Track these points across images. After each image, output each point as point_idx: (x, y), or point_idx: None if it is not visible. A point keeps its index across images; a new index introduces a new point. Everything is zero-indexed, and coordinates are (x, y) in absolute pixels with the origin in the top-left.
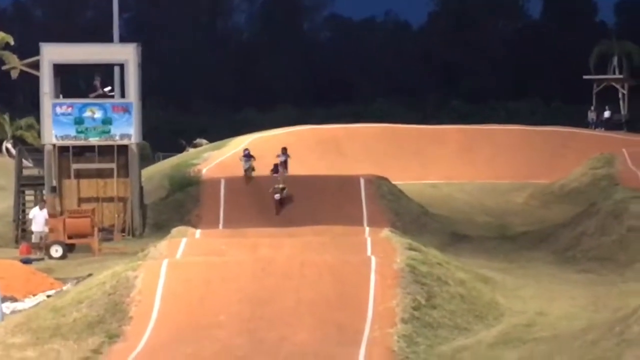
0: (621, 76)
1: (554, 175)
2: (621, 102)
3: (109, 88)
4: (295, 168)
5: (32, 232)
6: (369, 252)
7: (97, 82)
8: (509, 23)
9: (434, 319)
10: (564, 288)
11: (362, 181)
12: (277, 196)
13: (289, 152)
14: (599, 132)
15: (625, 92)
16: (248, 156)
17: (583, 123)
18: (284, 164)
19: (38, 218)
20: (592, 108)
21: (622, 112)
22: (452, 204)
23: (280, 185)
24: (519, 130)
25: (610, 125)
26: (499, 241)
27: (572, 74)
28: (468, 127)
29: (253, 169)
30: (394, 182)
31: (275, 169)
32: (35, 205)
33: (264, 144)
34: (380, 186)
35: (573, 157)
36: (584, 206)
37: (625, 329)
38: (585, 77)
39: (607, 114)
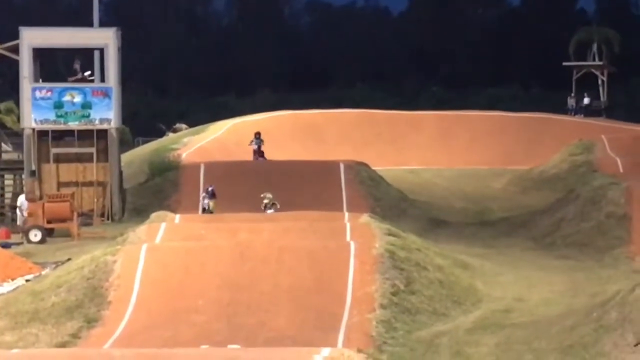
0: (601, 63)
1: (532, 162)
2: (600, 89)
3: (88, 72)
4: (274, 153)
5: (10, 216)
6: (348, 238)
7: (77, 66)
8: (489, 10)
9: (412, 305)
10: (542, 274)
11: (341, 167)
12: (269, 212)
13: (267, 137)
14: (578, 119)
15: (604, 78)
16: (211, 194)
17: (562, 109)
18: (259, 150)
19: (20, 201)
20: (572, 94)
21: (602, 99)
22: (431, 189)
23: (269, 196)
24: (497, 117)
25: (590, 111)
26: (477, 227)
27: (552, 60)
28: (446, 112)
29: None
30: (373, 168)
31: (260, 154)
32: (14, 189)
33: (243, 130)
34: (359, 172)
35: (552, 144)
36: (562, 192)
37: (603, 315)
38: (564, 63)
39: (586, 100)
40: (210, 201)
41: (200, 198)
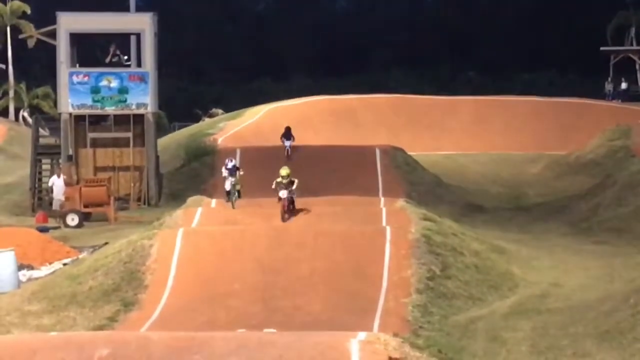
0: (639, 47)
1: (568, 147)
2: (638, 74)
3: (125, 57)
4: (310, 138)
5: (49, 201)
6: (384, 222)
7: (113, 48)
8: None
9: (448, 289)
10: (578, 259)
11: (377, 151)
12: (282, 193)
13: (302, 122)
14: (616, 104)
15: None
16: (233, 170)
17: (599, 94)
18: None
19: (57, 186)
20: (609, 79)
21: (639, 84)
22: (467, 174)
23: (283, 173)
24: (533, 102)
25: (627, 96)
26: (513, 212)
27: (589, 45)
28: (482, 98)
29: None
30: (410, 153)
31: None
32: (52, 174)
33: (278, 115)
34: (395, 156)
35: (588, 129)
36: (599, 178)
37: (617, 308)
38: (602, 48)
39: (623, 85)
40: (233, 178)
41: (223, 172)
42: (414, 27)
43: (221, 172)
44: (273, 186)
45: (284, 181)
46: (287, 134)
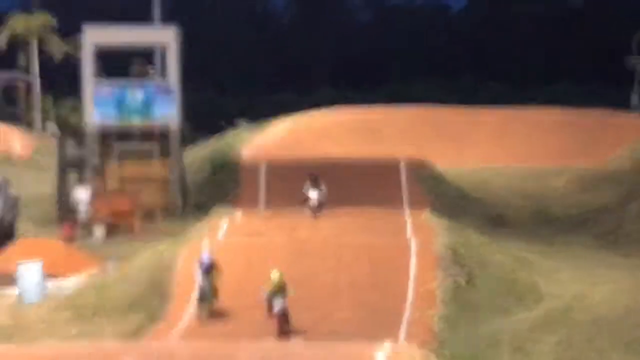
0: None
1: (592, 159)
2: None
3: (151, 70)
4: (333, 150)
5: (75, 212)
6: (408, 234)
7: (140, 62)
8: (547, 5)
9: (473, 301)
10: (604, 272)
11: (402, 164)
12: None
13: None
14: None
15: None
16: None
17: (625, 105)
18: (316, 180)
19: (83, 197)
20: (635, 90)
21: None
22: (490, 187)
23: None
24: (557, 113)
25: None
26: (537, 225)
27: (613, 56)
28: (504, 109)
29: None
30: (435, 165)
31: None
32: (78, 186)
33: (302, 127)
34: (420, 169)
35: (613, 141)
36: (625, 190)
37: None
38: (627, 58)
39: None
40: (206, 282)
41: (197, 276)
42: (437, 38)
43: (198, 264)
44: (263, 295)
45: (275, 289)
46: (314, 183)
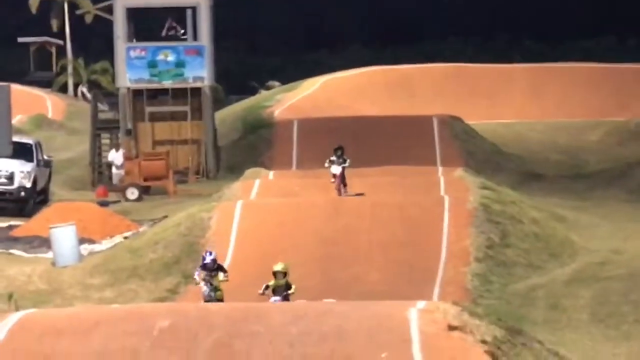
0: None
1: (629, 113)
2: None
3: (182, 31)
4: (366, 109)
5: (108, 175)
6: (442, 192)
7: (169, 22)
8: None
9: (508, 258)
10: (639, 226)
11: (434, 121)
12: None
13: (359, 93)
14: None
15: None
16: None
17: None
18: (342, 152)
19: (117, 160)
20: None
21: None
22: (525, 143)
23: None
24: (591, 68)
25: None
26: (572, 180)
27: None
28: (538, 65)
29: None
30: (466, 122)
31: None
32: (111, 148)
33: (335, 86)
34: (453, 126)
35: None
36: None
37: None
38: None
39: None
40: (210, 285)
41: (196, 275)
42: None
43: (202, 258)
44: (261, 291)
45: (279, 283)
46: (338, 156)
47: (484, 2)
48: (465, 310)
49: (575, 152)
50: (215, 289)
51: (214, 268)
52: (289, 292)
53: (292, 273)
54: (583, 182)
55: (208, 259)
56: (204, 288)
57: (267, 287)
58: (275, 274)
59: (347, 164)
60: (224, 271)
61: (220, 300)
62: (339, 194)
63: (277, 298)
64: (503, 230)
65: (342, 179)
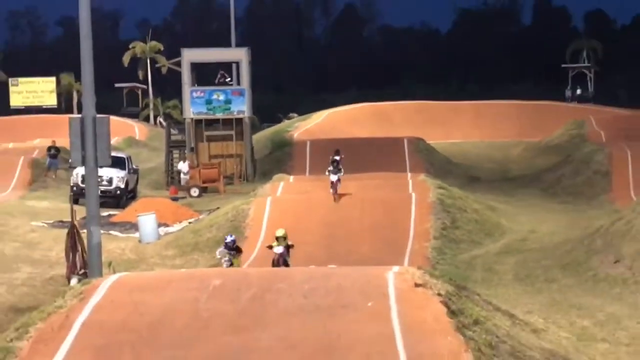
0: (589, 64)
1: (540, 135)
2: (589, 83)
3: (229, 79)
4: (358, 132)
5: (178, 179)
6: (410, 190)
7: (222, 74)
8: (510, 26)
9: (456, 236)
10: (548, 214)
11: (405, 141)
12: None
13: (351, 122)
14: (573, 105)
15: (591, 76)
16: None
17: (562, 98)
18: (337, 163)
19: (184, 168)
20: (569, 87)
21: (590, 90)
22: (468, 156)
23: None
24: (515, 104)
25: (581, 99)
26: (501, 182)
27: (555, 63)
28: (478, 102)
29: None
30: (429, 142)
31: (335, 164)
32: (180, 161)
33: (336, 117)
34: (418, 144)
35: (554, 123)
36: (562, 156)
37: (591, 242)
38: (563, 65)
39: (579, 91)
40: (234, 258)
41: (217, 253)
42: (431, 53)
43: (224, 239)
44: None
45: (281, 244)
46: (335, 167)
47: (442, 59)
48: (427, 273)
49: (503, 162)
50: (232, 264)
51: (233, 247)
52: (289, 243)
53: (305, 247)
54: (508, 183)
55: (229, 240)
56: (225, 265)
57: (270, 247)
58: (277, 238)
59: (341, 173)
60: (240, 251)
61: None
62: (334, 195)
63: (280, 248)
64: (453, 217)
65: (337, 183)
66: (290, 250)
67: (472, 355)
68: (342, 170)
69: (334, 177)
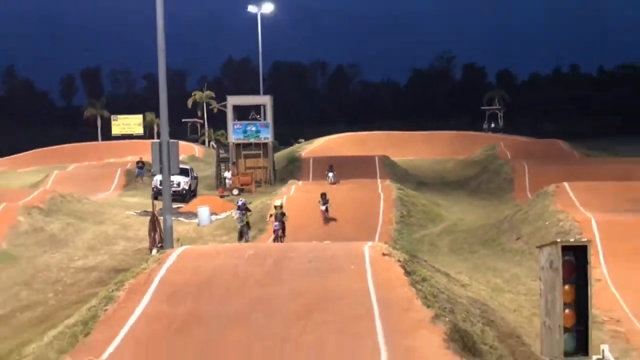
0: (499, 107)
1: (466, 154)
2: (499, 120)
3: (258, 116)
4: (345, 152)
5: (224, 183)
6: (380, 191)
7: (253, 112)
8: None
9: (410, 222)
10: (472, 207)
11: (376, 158)
12: (330, 176)
13: (338, 146)
14: (489, 134)
15: (501, 115)
16: (331, 169)
17: (481, 130)
18: (334, 181)
19: (228, 176)
20: (485, 122)
21: (500, 124)
22: (419, 168)
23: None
24: (452, 134)
25: (494, 130)
26: (441, 185)
27: (476, 106)
28: (427, 132)
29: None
30: (392, 159)
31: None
32: (226, 171)
33: (331, 142)
34: (385, 161)
35: (476, 146)
36: (481, 168)
37: (500, 226)
38: (482, 107)
39: (492, 125)
40: (242, 217)
41: (233, 212)
42: (394, 100)
43: (237, 203)
44: (267, 218)
45: (277, 212)
46: (331, 170)
47: (402, 103)
48: (390, 246)
49: (441, 173)
50: (243, 219)
51: (243, 208)
52: (284, 218)
53: (308, 229)
54: (445, 187)
55: (240, 203)
56: (237, 221)
57: (270, 215)
58: (275, 207)
59: (329, 204)
60: (249, 210)
61: (248, 225)
62: (325, 221)
63: (277, 224)
64: (408, 209)
65: (325, 212)
66: (285, 219)
67: (421, 301)
68: (336, 173)
69: (330, 177)
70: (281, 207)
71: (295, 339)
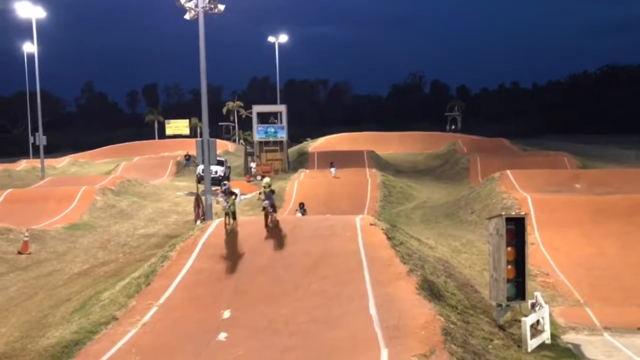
0: (458, 113)
1: (433, 149)
2: (458, 123)
3: (276, 120)
4: (342, 147)
5: (250, 171)
6: (367, 177)
7: (272, 118)
8: (418, 94)
9: (391, 200)
10: (437, 189)
11: (365, 153)
12: (332, 170)
13: (335, 144)
14: (451, 134)
15: (459, 119)
16: (227, 192)
17: (445, 130)
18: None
19: (253, 165)
20: (448, 125)
21: (459, 127)
22: (397, 160)
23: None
24: (423, 134)
25: (455, 131)
26: (414, 172)
27: (441, 113)
28: (402, 132)
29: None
30: (377, 152)
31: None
32: (252, 162)
33: (331, 140)
34: (372, 154)
35: (441, 143)
36: (444, 160)
37: (459, 203)
38: (446, 114)
39: (453, 127)
40: (229, 198)
41: (219, 197)
42: (378, 109)
43: (222, 186)
44: (258, 196)
45: (266, 190)
46: (301, 208)
47: (384, 111)
48: (376, 219)
49: (414, 163)
50: (228, 203)
51: (228, 192)
52: (273, 195)
53: (314, 206)
54: (418, 174)
55: (224, 188)
56: (224, 204)
57: (259, 193)
58: (264, 186)
59: (306, 214)
60: (235, 195)
61: (233, 211)
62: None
63: (267, 202)
64: (389, 190)
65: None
66: (274, 196)
67: (399, 259)
68: (336, 166)
69: (332, 170)
70: (269, 185)
71: (305, 285)
